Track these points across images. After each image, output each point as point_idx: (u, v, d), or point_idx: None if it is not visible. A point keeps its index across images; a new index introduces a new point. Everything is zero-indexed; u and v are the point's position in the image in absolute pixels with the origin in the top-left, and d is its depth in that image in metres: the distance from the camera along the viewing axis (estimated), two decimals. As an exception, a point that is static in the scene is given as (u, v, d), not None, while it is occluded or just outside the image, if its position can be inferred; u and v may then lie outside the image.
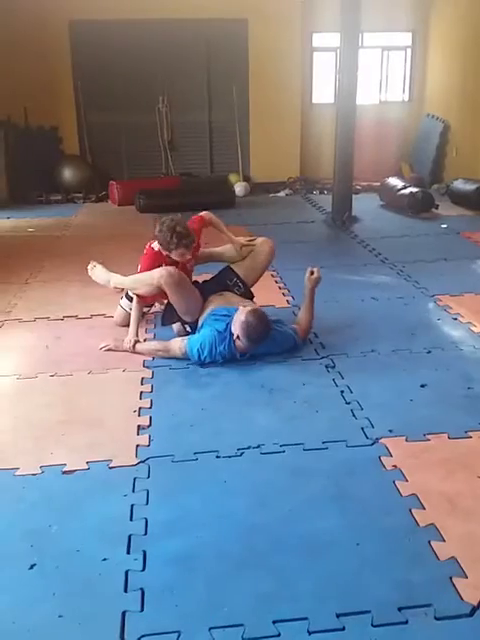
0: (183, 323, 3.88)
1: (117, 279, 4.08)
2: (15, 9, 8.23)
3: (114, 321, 4.23)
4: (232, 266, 4.09)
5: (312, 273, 3.85)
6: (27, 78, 8.80)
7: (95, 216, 8.19)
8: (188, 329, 3.86)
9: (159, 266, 3.83)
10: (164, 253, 3.85)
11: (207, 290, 3.94)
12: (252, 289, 4.13)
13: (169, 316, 3.91)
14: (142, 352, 3.74)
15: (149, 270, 3.85)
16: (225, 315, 3.62)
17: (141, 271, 3.96)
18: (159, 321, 4.11)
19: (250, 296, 4.07)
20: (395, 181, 8.26)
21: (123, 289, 4.10)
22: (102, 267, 4.25)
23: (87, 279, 4.32)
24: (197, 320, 3.78)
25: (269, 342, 3.59)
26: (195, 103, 9.58)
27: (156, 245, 3.90)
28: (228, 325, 3.54)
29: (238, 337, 3.48)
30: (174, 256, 3.80)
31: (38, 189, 8.97)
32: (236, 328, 3.46)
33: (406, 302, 4.61)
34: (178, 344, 3.64)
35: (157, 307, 4.34)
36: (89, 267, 4.30)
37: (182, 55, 9.29)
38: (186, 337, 3.69)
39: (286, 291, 4.87)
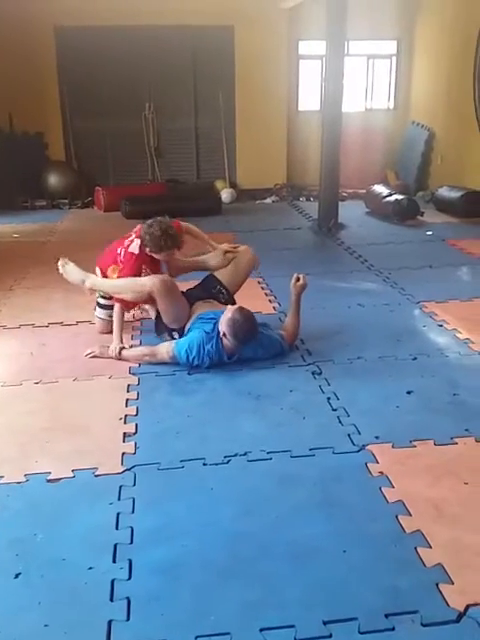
0: (170, 331, 3.86)
1: (95, 280, 3.94)
2: (1, 14, 8.19)
3: (96, 330, 4.21)
4: (215, 274, 4.10)
5: (298, 279, 3.86)
6: (12, 83, 8.77)
7: (81, 222, 8.17)
8: (175, 336, 3.85)
9: (140, 270, 3.85)
10: (148, 255, 3.86)
11: (192, 297, 3.93)
12: (238, 296, 4.14)
13: (162, 326, 3.89)
14: (128, 358, 3.73)
15: (132, 276, 3.84)
16: (212, 318, 3.64)
17: (121, 277, 3.91)
18: (145, 328, 4.09)
19: (233, 303, 4.07)
20: (380, 188, 8.31)
21: (95, 291, 4.05)
22: (74, 265, 4.03)
23: (72, 286, 4.28)
24: (184, 327, 3.77)
25: (256, 346, 3.60)
26: (181, 109, 9.61)
27: (135, 248, 3.88)
28: (215, 325, 3.56)
29: (225, 335, 3.48)
30: (161, 257, 3.86)
31: (23, 195, 8.94)
32: (223, 326, 3.47)
33: (392, 309, 4.63)
34: (165, 348, 3.63)
35: (137, 313, 4.33)
36: (60, 264, 4.05)
37: (168, 61, 9.31)
38: (173, 341, 3.69)
39: (272, 298, 4.88)
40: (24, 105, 8.95)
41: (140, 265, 3.91)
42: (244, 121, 9.70)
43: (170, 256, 3.89)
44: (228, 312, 3.50)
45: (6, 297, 4.98)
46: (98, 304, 4.16)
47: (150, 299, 3.78)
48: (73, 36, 8.95)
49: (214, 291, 4.02)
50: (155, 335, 3.99)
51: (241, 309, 3.53)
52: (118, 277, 3.92)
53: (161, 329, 3.93)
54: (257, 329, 3.57)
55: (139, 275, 3.90)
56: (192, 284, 4.18)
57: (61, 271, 4.05)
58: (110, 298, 3.99)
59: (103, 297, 4.12)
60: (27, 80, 8.90)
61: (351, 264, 5.92)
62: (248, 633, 1.84)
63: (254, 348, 3.61)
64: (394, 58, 10.17)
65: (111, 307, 3.99)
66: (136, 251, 3.89)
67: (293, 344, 3.87)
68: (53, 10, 8.49)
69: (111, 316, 3.97)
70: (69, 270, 4.02)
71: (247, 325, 3.48)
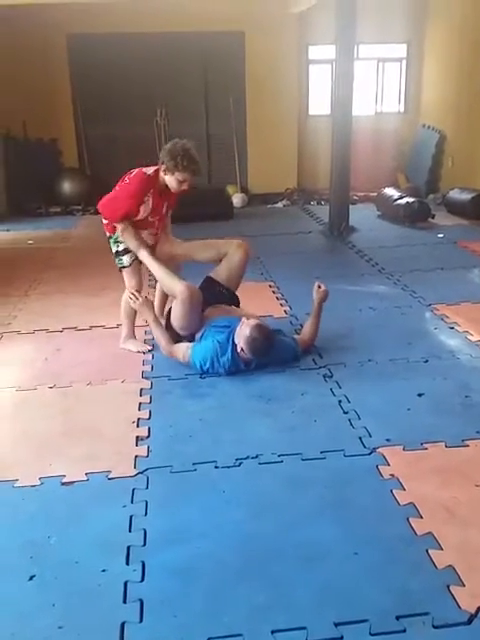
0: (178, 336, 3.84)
1: (146, 254, 3.81)
2: (14, 23, 8.29)
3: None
4: (212, 277, 4.03)
5: (320, 287, 3.88)
6: (26, 91, 8.85)
7: (94, 228, 8.16)
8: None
9: (144, 191, 3.70)
10: (160, 182, 3.71)
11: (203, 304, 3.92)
12: (247, 299, 4.13)
13: (173, 334, 3.86)
14: (149, 322, 3.75)
15: (131, 192, 3.68)
16: (226, 326, 3.64)
17: (121, 190, 3.74)
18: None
19: (237, 301, 4.06)
20: (391, 191, 8.31)
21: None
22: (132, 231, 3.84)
23: (86, 290, 4.33)
24: (193, 335, 3.78)
25: (271, 353, 3.62)
26: (193, 115, 9.65)
27: (149, 170, 3.74)
28: (230, 335, 3.57)
29: (242, 350, 3.51)
30: (176, 177, 3.65)
31: (37, 201, 9.01)
32: (241, 342, 3.49)
33: (403, 311, 4.63)
34: (182, 352, 3.64)
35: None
36: (120, 228, 3.83)
37: (180, 68, 9.36)
38: (190, 345, 3.67)
39: (284, 301, 4.89)
40: (38, 112, 9.04)
41: (147, 188, 3.71)
42: (255, 126, 9.73)
43: (182, 184, 3.68)
44: (245, 328, 3.49)
45: (21, 302, 5.04)
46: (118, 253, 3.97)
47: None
48: (86, 44, 9.03)
49: (218, 294, 3.99)
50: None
51: (259, 326, 3.51)
52: (117, 188, 3.77)
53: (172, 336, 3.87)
54: (273, 342, 3.59)
55: (140, 199, 3.70)
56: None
57: (119, 231, 3.84)
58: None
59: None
60: (41, 87, 8.99)
61: (362, 267, 5.92)
62: (260, 635, 1.86)
63: (270, 355, 3.63)
64: (404, 61, 10.16)
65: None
66: (149, 172, 3.73)
67: (308, 350, 3.87)
68: (66, 18, 8.56)
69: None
70: (128, 235, 3.83)
71: (266, 343, 3.51)
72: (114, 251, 3.94)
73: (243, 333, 3.49)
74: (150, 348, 3.98)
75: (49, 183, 9.12)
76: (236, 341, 3.53)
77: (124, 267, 3.94)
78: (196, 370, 3.59)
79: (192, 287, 3.70)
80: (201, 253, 4.05)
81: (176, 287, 3.69)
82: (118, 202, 3.76)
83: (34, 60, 8.81)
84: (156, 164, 3.79)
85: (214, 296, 3.98)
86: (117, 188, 3.82)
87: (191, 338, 3.78)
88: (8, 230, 8.05)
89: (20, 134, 9.15)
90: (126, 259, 3.91)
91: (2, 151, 8.92)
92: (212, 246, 4.09)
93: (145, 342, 4.07)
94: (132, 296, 3.82)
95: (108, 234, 3.94)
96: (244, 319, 3.59)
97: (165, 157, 3.65)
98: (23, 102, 8.89)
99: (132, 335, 4.07)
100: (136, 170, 3.81)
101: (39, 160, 9.08)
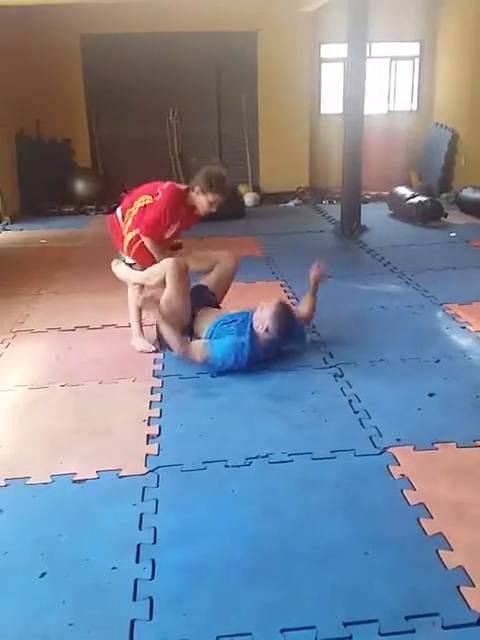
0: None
1: (137, 275, 4.00)
2: (28, 23, 8.34)
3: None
4: (201, 282, 4.07)
5: (317, 266, 4.00)
6: (40, 91, 8.91)
7: (107, 228, 8.24)
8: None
9: (177, 208, 3.82)
10: (189, 202, 3.84)
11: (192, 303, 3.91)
12: (261, 298, 4.12)
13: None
14: (161, 327, 3.71)
15: (165, 204, 3.78)
16: (233, 321, 3.69)
17: (158, 205, 3.81)
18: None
19: (219, 307, 4.10)
20: (404, 190, 8.28)
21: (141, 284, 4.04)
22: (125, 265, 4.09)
23: (98, 289, 4.36)
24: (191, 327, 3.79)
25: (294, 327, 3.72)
26: (205, 115, 9.66)
27: (182, 186, 3.89)
28: (244, 325, 3.61)
29: (267, 330, 3.55)
30: (208, 198, 3.79)
31: (50, 201, 9.06)
32: (264, 321, 3.55)
33: (415, 311, 4.61)
34: (200, 349, 3.60)
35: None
36: (113, 263, 4.15)
37: (192, 68, 9.37)
38: (206, 342, 3.65)
39: (295, 300, 4.87)
40: (51, 112, 9.08)
41: (179, 203, 3.83)
42: (267, 125, 9.73)
43: (212, 205, 3.82)
44: (266, 309, 3.58)
45: (34, 301, 5.07)
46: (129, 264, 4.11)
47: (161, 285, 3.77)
48: (99, 44, 9.07)
49: (207, 298, 4.00)
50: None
51: (281, 303, 3.66)
52: (149, 205, 3.83)
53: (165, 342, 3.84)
54: (296, 322, 3.73)
55: (170, 222, 3.84)
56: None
57: (114, 269, 4.13)
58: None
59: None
60: (54, 87, 9.03)
61: (373, 266, 5.90)
62: (269, 634, 1.86)
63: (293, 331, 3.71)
64: (417, 59, 10.11)
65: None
66: (182, 188, 3.87)
67: (308, 324, 3.97)
68: (80, 19, 8.60)
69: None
70: (120, 269, 4.09)
71: (290, 318, 3.64)
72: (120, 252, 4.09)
73: (265, 314, 3.57)
74: (155, 348, 3.99)
75: (62, 183, 9.17)
76: (256, 325, 3.59)
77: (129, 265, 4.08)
78: (217, 367, 3.58)
79: (175, 258, 3.75)
80: (197, 264, 4.08)
81: (163, 267, 3.73)
82: (158, 218, 3.81)
83: (48, 60, 8.86)
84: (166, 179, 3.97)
85: (204, 298, 3.98)
86: (148, 204, 3.85)
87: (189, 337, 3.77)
88: (21, 229, 8.11)
89: (34, 134, 9.20)
90: (129, 260, 4.04)
91: (16, 151, 8.99)
92: (206, 259, 4.14)
93: (156, 341, 4.07)
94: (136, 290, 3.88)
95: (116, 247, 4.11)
96: (261, 303, 3.66)
97: (200, 179, 3.79)
98: (37, 102, 8.94)
99: (139, 332, 4.11)
100: (166, 183, 3.92)
101: (52, 160, 9.13)
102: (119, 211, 4.06)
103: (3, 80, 8.29)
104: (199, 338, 3.76)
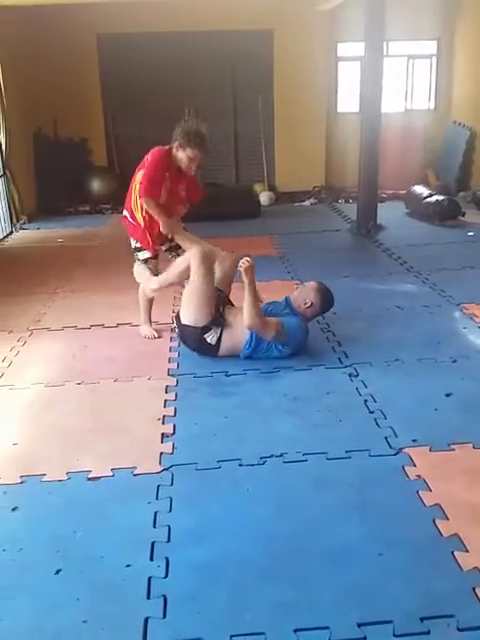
0: (202, 334, 3.75)
1: (157, 279, 4.03)
2: (45, 22, 8.39)
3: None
4: None
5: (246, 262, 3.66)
6: (57, 90, 8.97)
7: (123, 227, 8.28)
8: (209, 338, 3.76)
9: (164, 171, 3.88)
10: (174, 161, 3.89)
11: None
12: (275, 298, 4.12)
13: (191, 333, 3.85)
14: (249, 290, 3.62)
15: (153, 163, 3.88)
16: (265, 312, 3.75)
17: (146, 168, 3.91)
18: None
19: (230, 303, 4.04)
20: (421, 189, 8.22)
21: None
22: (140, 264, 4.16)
23: (114, 288, 4.39)
24: (206, 325, 3.73)
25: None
26: (221, 114, 9.64)
27: (165, 147, 3.94)
28: (291, 309, 3.82)
29: (312, 305, 3.82)
30: (187, 154, 3.85)
31: (67, 200, 9.12)
32: (308, 299, 3.82)
33: (431, 311, 4.58)
34: (274, 322, 3.65)
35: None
36: (134, 270, 4.18)
37: (208, 67, 9.38)
38: (281, 320, 3.69)
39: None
40: (68, 111, 9.14)
41: (165, 164, 3.90)
42: (283, 124, 9.71)
43: (192, 161, 3.87)
44: (307, 287, 3.89)
45: (51, 300, 5.10)
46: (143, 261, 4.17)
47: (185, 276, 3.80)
48: (115, 43, 9.10)
49: (221, 296, 3.94)
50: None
51: (317, 282, 3.93)
52: (142, 172, 3.92)
53: (191, 336, 3.81)
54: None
55: (160, 176, 3.88)
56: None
57: (135, 274, 4.16)
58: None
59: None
60: (71, 87, 9.08)
61: (390, 266, 5.87)
62: (282, 633, 1.85)
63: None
64: (434, 58, 10.05)
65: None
66: (165, 147, 3.94)
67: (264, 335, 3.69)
68: (96, 18, 8.65)
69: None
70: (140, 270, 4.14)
71: (331, 292, 3.92)
72: (133, 246, 4.23)
73: (308, 292, 3.85)
74: (157, 336, 4.20)
75: (79, 182, 9.21)
76: (298, 304, 3.83)
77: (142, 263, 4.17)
78: (289, 339, 3.66)
79: (200, 248, 3.80)
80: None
81: (186, 259, 3.80)
82: (149, 176, 3.89)
83: (64, 59, 8.91)
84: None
85: (221, 300, 3.93)
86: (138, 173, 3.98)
87: (202, 331, 3.73)
88: (38, 228, 8.16)
89: (51, 133, 9.27)
90: (142, 256, 4.15)
91: (33, 150, 9.06)
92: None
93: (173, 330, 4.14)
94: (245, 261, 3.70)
95: (130, 236, 4.23)
96: (305, 284, 3.98)
97: (178, 134, 3.87)
98: (54, 101, 9.01)
99: (147, 321, 4.27)
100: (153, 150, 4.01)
101: (69, 159, 9.18)
102: (126, 205, 4.22)
103: (21, 80, 8.35)
104: (230, 328, 3.74)
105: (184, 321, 3.78)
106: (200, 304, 3.71)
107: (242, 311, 3.66)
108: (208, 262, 3.76)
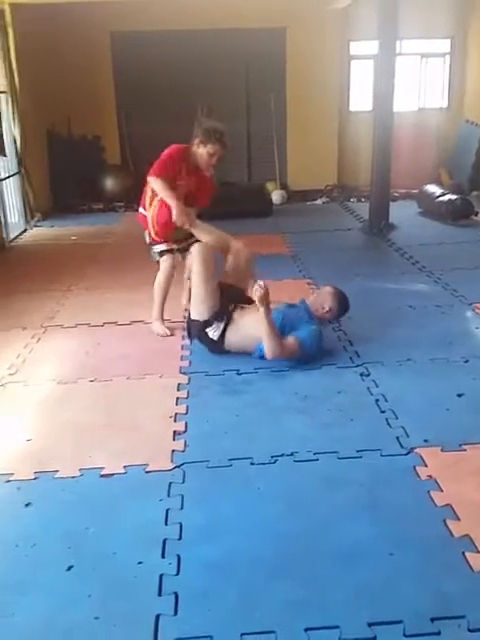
0: (203, 328, 3.77)
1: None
2: (59, 20, 8.43)
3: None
4: (223, 281, 3.97)
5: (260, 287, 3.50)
6: (70, 88, 9.01)
7: (137, 224, 8.26)
8: (211, 333, 3.76)
9: (178, 165, 3.98)
10: (191, 157, 3.97)
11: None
12: (288, 297, 4.12)
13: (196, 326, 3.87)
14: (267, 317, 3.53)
15: (165, 160, 3.98)
16: (285, 317, 3.69)
17: (158, 161, 4.01)
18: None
19: (249, 300, 3.87)
20: (433, 188, 8.19)
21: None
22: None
23: (127, 286, 4.41)
24: (208, 320, 3.74)
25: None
26: (234, 112, 9.63)
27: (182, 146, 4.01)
28: (308, 313, 3.81)
29: (330, 310, 3.87)
30: (207, 150, 3.95)
31: (81, 198, 9.16)
32: (325, 304, 3.86)
33: (443, 310, 4.56)
34: (291, 342, 3.58)
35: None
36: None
37: (221, 65, 9.38)
38: (295, 336, 3.61)
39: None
40: (82, 109, 9.18)
41: (181, 156, 3.99)
42: (295, 122, 9.70)
43: (212, 157, 3.95)
44: (323, 292, 3.94)
45: (65, 297, 5.13)
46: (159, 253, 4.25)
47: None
48: (128, 41, 9.14)
49: (235, 294, 3.92)
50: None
51: (332, 286, 3.98)
52: (157, 161, 4.01)
53: (193, 328, 3.86)
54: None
55: (173, 164, 3.98)
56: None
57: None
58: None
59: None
60: (84, 85, 9.12)
61: (402, 265, 5.85)
62: (293, 632, 1.86)
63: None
64: (448, 56, 10.00)
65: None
66: (183, 145, 4.00)
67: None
68: (109, 16, 8.68)
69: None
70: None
71: (347, 297, 3.96)
72: (148, 242, 4.26)
73: (325, 297, 3.89)
74: (169, 334, 4.20)
75: (92, 179, 9.25)
76: (315, 308, 3.84)
77: (158, 257, 4.25)
78: (306, 351, 3.61)
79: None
80: (208, 237, 4.06)
81: (203, 238, 3.93)
82: (161, 159, 4.03)
83: (78, 58, 8.95)
84: None
85: (235, 299, 3.89)
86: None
87: (204, 325, 3.74)
88: (52, 226, 8.21)
89: (64, 131, 9.31)
90: (158, 248, 4.21)
91: (46, 147, 9.10)
92: (219, 236, 4.12)
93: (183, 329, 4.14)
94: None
95: (144, 229, 4.26)
96: (320, 289, 4.05)
97: (199, 131, 3.97)
98: (67, 99, 9.06)
99: (159, 317, 4.28)
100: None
101: (82, 156, 9.24)
102: (141, 203, 4.28)
103: (34, 77, 8.39)
104: (235, 326, 3.74)
105: (191, 315, 3.87)
106: (201, 299, 3.79)
107: (251, 313, 3.71)
108: (207, 259, 3.79)
